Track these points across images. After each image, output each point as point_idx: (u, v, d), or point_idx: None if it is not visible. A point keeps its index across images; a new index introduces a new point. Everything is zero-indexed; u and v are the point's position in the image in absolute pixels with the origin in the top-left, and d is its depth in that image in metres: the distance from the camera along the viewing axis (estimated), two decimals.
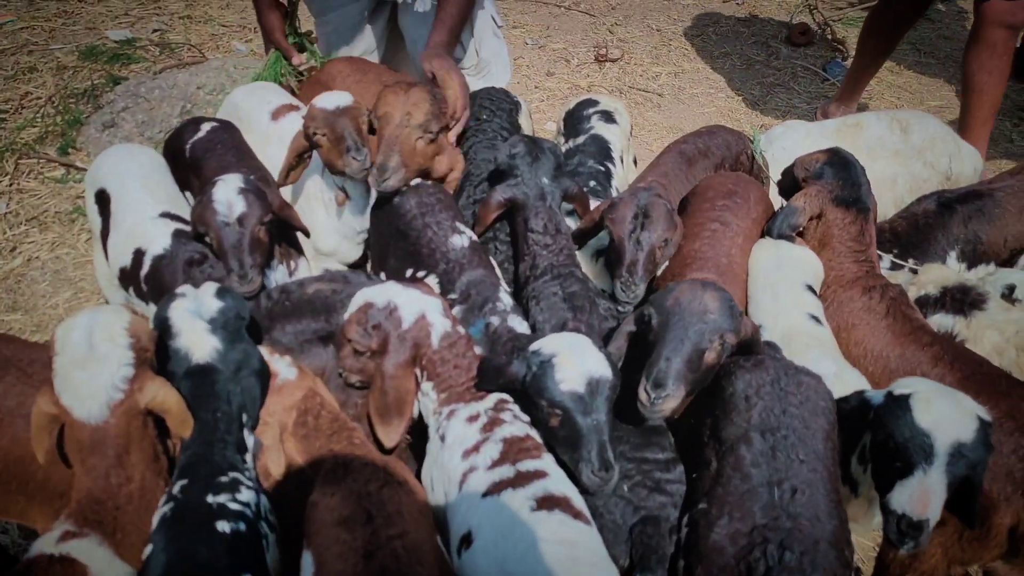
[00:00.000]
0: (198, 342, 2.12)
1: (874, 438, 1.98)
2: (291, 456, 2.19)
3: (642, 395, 2.06)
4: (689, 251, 2.77)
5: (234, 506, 1.91)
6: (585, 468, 2.02)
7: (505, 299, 2.63)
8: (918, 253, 2.97)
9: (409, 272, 2.81)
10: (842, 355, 2.52)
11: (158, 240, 2.87)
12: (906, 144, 3.43)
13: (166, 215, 2.98)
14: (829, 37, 6.74)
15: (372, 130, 3.00)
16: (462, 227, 2.86)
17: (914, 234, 2.99)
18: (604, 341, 2.39)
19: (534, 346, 2.19)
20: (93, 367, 1.93)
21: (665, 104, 5.88)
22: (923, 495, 1.86)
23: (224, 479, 1.97)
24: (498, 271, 2.84)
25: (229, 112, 3.60)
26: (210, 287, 2.27)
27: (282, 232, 2.98)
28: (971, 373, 2.27)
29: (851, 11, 7.20)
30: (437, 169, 3.03)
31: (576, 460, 2.05)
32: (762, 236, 2.93)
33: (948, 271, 2.74)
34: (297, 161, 3.01)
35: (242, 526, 1.88)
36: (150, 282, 2.81)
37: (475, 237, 2.87)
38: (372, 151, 2.88)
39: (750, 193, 2.98)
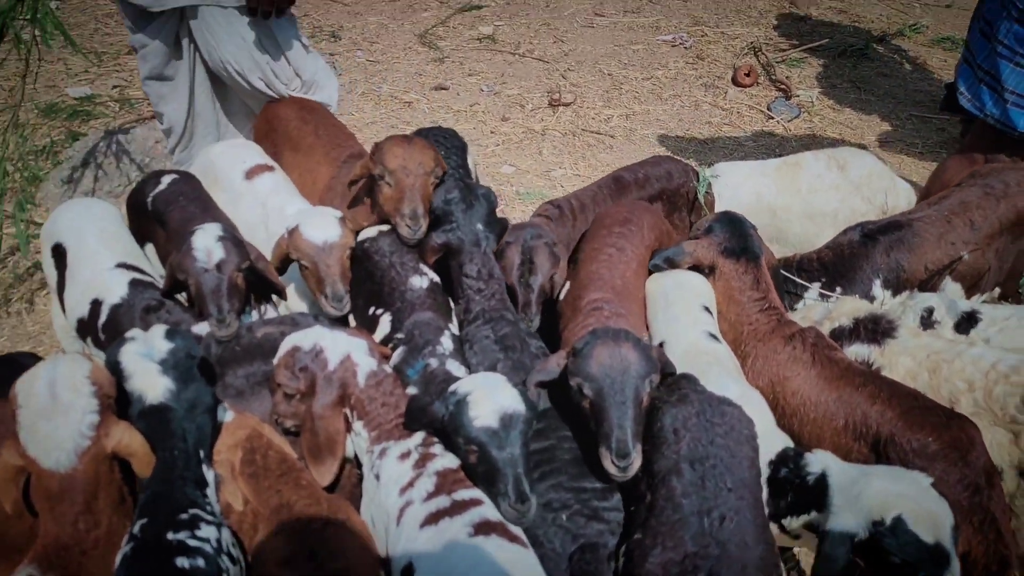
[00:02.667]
0: (151, 383, 2.20)
1: (878, 562, 2.00)
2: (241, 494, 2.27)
3: (611, 468, 2.15)
4: (587, 273, 2.93)
5: (193, 543, 1.98)
6: (503, 501, 2.12)
7: (447, 343, 2.73)
8: (844, 282, 3.13)
9: (371, 310, 2.91)
10: (741, 372, 2.65)
11: (115, 290, 2.94)
12: (844, 180, 3.61)
13: (123, 265, 3.05)
14: (773, 77, 7.01)
15: (354, 182, 3.15)
16: (426, 269, 2.97)
17: (840, 264, 3.15)
18: None
19: (452, 387, 2.29)
20: (58, 417, 2.00)
21: (617, 145, 6.07)
22: None
23: (184, 516, 2.05)
24: (453, 315, 2.94)
25: (204, 168, 3.64)
26: (159, 329, 2.35)
27: (257, 280, 3.02)
28: (909, 408, 2.37)
29: (794, 52, 7.50)
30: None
31: (495, 494, 2.14)
32: None
33: (860, 303, 2.88)
34: (282, 265, 3.06)
35: (201, 562, 1.95)
36: (108, 331, 2.88)
37: (437, 279, 2.98)
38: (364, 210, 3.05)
39: (644, 221, 3.13)
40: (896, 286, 3.13)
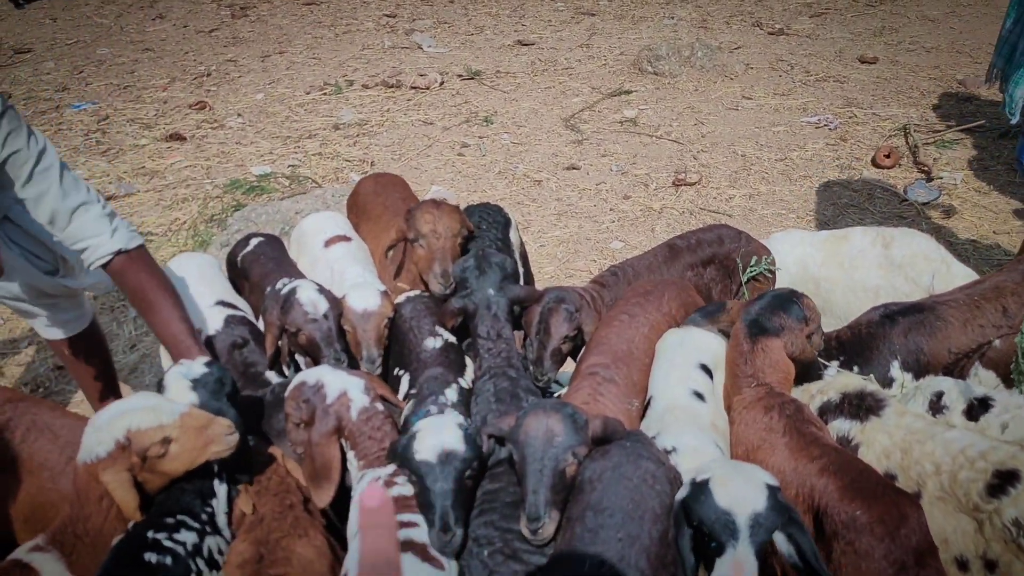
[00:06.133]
0: (179, 396, 2.63)
1: (690, 523, 2.13)
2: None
3: (524, 531, 2.32)
4: (597, 338, 3.07)
5: (167, 543, 2.35)
6: (431, 530, 2.33)
7: (450, 395, 2.99)
8: (861, 361, 3.04)
9: (395, 371, 3.25)
10: (719, 431, 2.67)
11: (212, 323, 3.45)
12: (886, 258, 3.54)
13: (221, 303, 3.57)
14: (917, 159, 6.76)
15: (391, 246, 3.55)
16: (441, 331, 3.28)
17: (857, 343, 3.07)
18: None
19: (414, 425, 2.55)
20: (91, 434, 2.45)
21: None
22: (738, 569, 2.01)
23: (170, 520, 2.42)
24: (468, 369, 3.20)
25: (298, 234, 4.22)
26: (202, 359, 2.80)
27: None
28: (851, 480, 2.33)
29: (949, 133, 7.19)
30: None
31: (428, 522, 2.36)
32: None
33: (852, 378, 2.80)
34: None
35: (168, 560, 2.31)
36: None
37: (452, 339, 3.27)
38: (422, 259, 3.41)
39: (665, 292, 3.22)
40: (917, 369, 3.01)
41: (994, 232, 5.74)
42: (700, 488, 2.12)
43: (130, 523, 2.43)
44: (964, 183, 6.40)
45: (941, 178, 6.46)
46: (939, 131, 7.26)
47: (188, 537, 2.42)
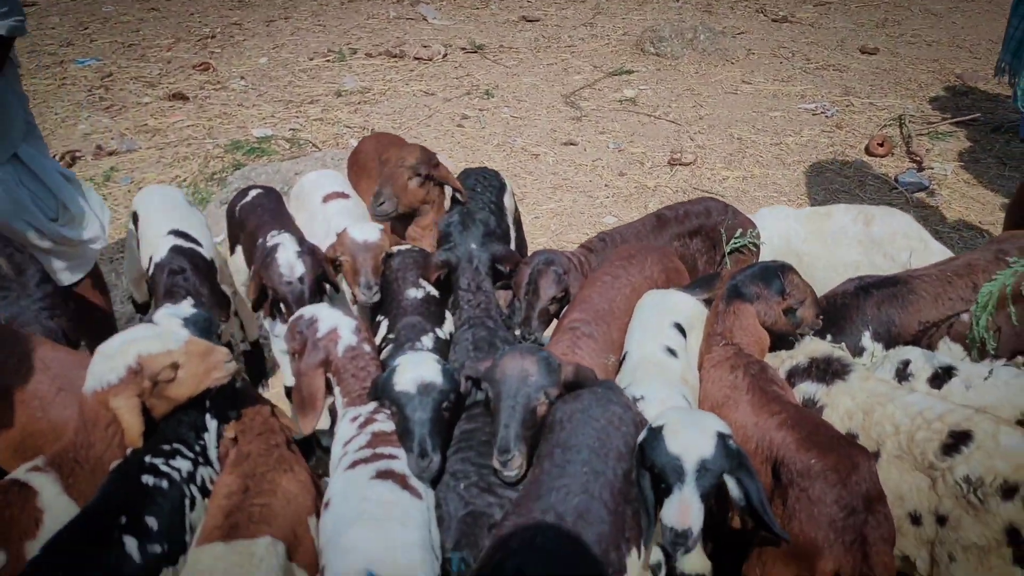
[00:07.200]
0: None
1: (645, 465, 2.26)
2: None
3: (495, 464, 2.45)
4: (580, 296, 3.21)
5: (164, 468, 2.46)
6: (410, 456, 2.46)
7: (427, 341, 3.12)
8: (835, 331, 3.15)
9: (377, 318, 3.37)
10: (687, 385, 2.79)
11: (161, 251, 3.56)
12: (867, 235, 3.65)
13: (173, 232, 3.66)
14: (910, 149, 6.85)
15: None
16: (424, 283, 3.40)
17: (832, 312, 3.18)
18: None
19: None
20: (101, 362, 2.55)
21: None
22: (682, 509, 2.15)
23: (166, 447, 2.54)
24: (447, 322, 3.32)
25: (299, 190, 4.31)
26: (189, 301, 2.93)
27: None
28: (808, 433, 2.45)
29: (943, 125, 7.28)
30: (423, 217, 3.67)
31: (408, 449, 2.49)
32: None
33: (821, 343, 2.91)
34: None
35: (164, 484, 2.43)
36: (151, 282, 3.54)
37: (434, 292, 3.39)
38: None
39: (648, 257, 3.35)
40: (888, 340, 3.12)
41: (980, 222, 5.84)
42: (655, 433, 2.24)
43: (128, 451, 2.54)
44: (954, 174, 6.50)
45: (932, 168, 6.56)
46: (934, 123, 7.35)
47: (183, 464, 2.54)
